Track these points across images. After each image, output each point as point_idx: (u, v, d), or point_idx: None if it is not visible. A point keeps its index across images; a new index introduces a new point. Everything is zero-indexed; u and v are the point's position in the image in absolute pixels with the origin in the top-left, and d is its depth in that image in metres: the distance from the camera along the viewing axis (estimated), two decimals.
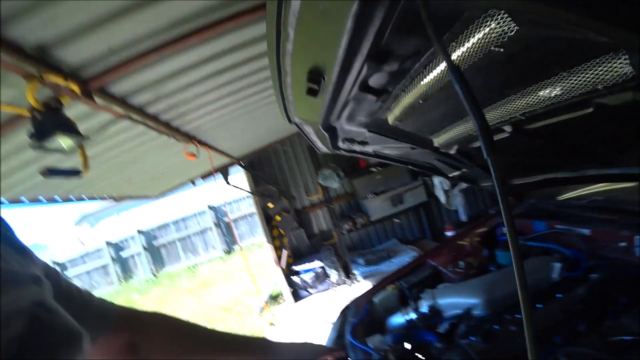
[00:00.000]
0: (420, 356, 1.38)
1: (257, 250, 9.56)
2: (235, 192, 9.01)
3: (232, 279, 7.90)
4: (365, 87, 0.97)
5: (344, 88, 0.93)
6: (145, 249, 10.52)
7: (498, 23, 0.61)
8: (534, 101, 0.91)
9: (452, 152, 1.52)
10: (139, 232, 10.52)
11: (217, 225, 10.39)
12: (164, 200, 11.73)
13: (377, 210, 5.02)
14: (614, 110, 0.84)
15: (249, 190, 4.90)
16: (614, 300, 1.17)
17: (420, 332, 1.33)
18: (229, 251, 10.55)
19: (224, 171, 4.46)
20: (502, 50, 0.69)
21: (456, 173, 1.92)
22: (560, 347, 1.03)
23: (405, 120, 1.31)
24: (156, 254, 10.60)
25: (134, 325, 0.60)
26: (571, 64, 0.72)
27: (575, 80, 0.74)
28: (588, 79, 0.74)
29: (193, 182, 4.59)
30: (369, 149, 1.86)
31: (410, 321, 1.38)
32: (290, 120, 1.47)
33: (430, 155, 1.69)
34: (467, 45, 0.72)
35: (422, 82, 0.94)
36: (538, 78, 0.85)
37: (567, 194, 1.70)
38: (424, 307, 1.37)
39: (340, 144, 1.81)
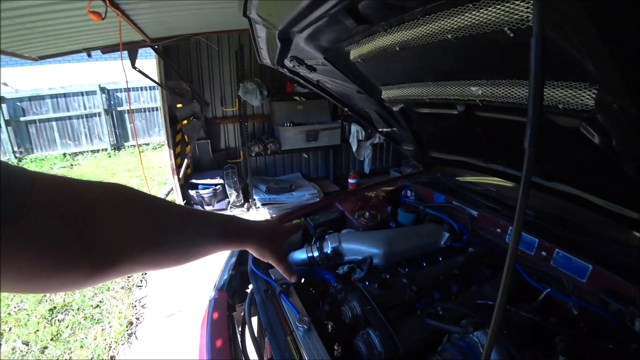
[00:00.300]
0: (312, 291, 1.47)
1: (151, 153, 8.71)
2: (138, 79, 7.79)
3: (116, 178, 6.96)
4: (352, 10, 0.85)
5: None
6: (7, 122, 7.95)
7: (526, 7, 0.58)
8: (499, 94, 0.92)
9: (395, 109, 1.52)
10: (0, 99, 7.76)
11: (108, 113, 8.78)
12: (44, 66, 9.31)
13: (290, 141, 4.97)
14: (550, 127, 0.91)
15: (158, 81, 4.26)
16: (480, 272, 1.39)
17: (320, 270, 1.40)
18: (117, 146, 9.06)
19: (133, 51, 3.76)
20: (512, 35, 0.65)
21: (386, 129, 1.95)
22: (438, 301, 1.20)
23: (367, 61, 1.24)
24: (23, 132, 8.18)
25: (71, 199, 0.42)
26: (550, 75, 0.74)
27: (545, 91, 0.76)
28: (555, 95, 0.76)
29: (89, 54, 3.76)
30: (313, 76, 1.74)
31: (311, 258, 1.43)
32: (245, 13, 1.24)
33: (371, 105, 1.67)
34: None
35: (413, 29, 0.86)
36: (514, 75, 0.85)
37: (468, 178, 1.90)
38: (328, 248, 1.42)
39: (287, 62, 1.65)
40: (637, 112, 0.62)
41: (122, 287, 3.31)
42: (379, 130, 2.03)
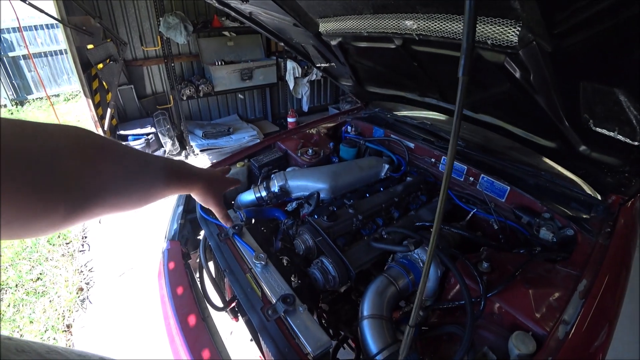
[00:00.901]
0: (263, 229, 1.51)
1: (64, 106, 7.63)
2: (29, 16, 6.47)
3: None
4: None
5: None
6: None
7: None
8: (434, 28, 0.95)
9: (334, 43, 1.49)
10: None
11: None
12: None
13: (224, 81, 4.65)
14: (480, 63, 0.98)
15: (58, 17, 3.62)
16: (417, 198, 1.53)
17: (269, 209, 1.44)
18: (19, 101, 7.60)
19: None
20: None
21: (324, 64, 1.92)
22: (381, 226, 1.32)
23: None
24: None
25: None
26: (480, 11, 0.78)
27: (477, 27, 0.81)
28: (484, 31, 0.81)
29: None
30: (245, 8, 1.62)
31: (259, 198, 1.46)
32: None
33: (308, 39, 1.62)
34: None
35: None
36: (449, 9, 0.88)
37: (404, 112, 1.99)
38: (275, 187, 1.45)
39: None
40: (552, 50, 0.69)
41: (63, 255, 3.10)
42: (317, 65, 1.99)
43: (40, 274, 2.92)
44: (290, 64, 4.99)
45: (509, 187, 1.36)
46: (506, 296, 0.93)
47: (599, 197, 1.21)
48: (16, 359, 0.35)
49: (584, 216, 1.19)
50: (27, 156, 0.39)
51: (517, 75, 0.94)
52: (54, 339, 2.36)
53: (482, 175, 1.44)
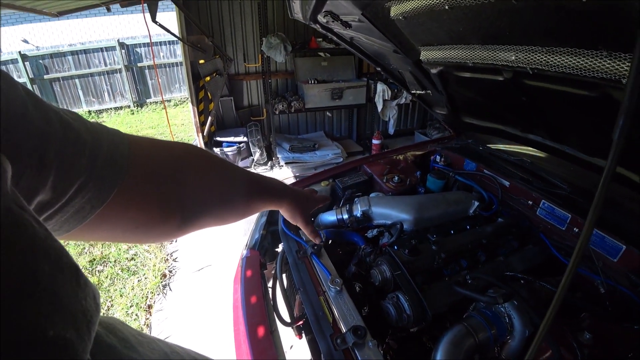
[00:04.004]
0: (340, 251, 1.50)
1: (173, 110, 8.71)
2: (157, 34, 7.60)
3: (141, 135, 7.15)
4: None
5: None
6: (32, 80, 7.69)
7: None
8: (554, 62, 0.87)
9: (434, 71, 1.45)
10: (22, 56, 7.50)
11: (128, 69, 8.65)
12: (63, 22, 9.11)
13: (315, 99, 4.84)
14: (606, 103, 0.86)
15: (179, 36, 4.17)
16: (508, 242, 1.39)
17: (349, 232, 1.42)
18: (139, 103, 8.92)
19: (153, 4, 3.65)
20: (584, 1, 0.60)
21: (419, 91, 1.88)
22: (465, 269, 1.22)
23: (409, 19, 1.17)
24: (48, 91, 7.97)
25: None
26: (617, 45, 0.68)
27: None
28: (619, 68, 0.71)
29: (108, 8, 3.68)
30: (347, 33, 1.67)
31: (341, 220, 1.45)
32: None
33: (406, 65, 1.60)
34: None
35: None
36: (577, 43, 0.79)
37: (499, 146, 1.84)
38: (358, 211, 1.44)
39: (320, 17, 1.58)
40: None
41: None
42: (412, 92, 1.96)
43: (135, 254, 3.30)
44: (380, 86, 5.01)
45: (624, 246, 1.15)
46: None
47: None
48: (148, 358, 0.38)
49: None
50: (152, 169, 0.42)
51: None
52: (136, 315, 2.63)
53: None
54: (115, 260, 3.23)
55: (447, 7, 0.92)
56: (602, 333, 0.90)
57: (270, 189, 0.71)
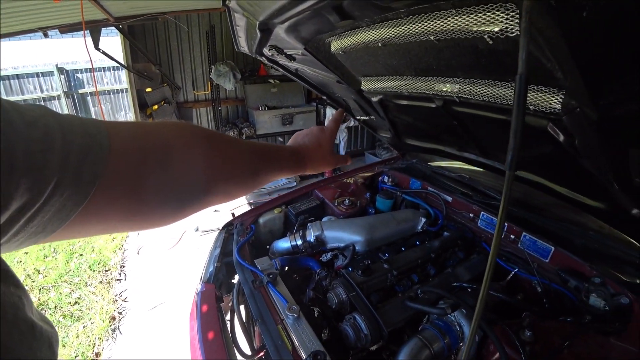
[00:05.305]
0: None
1: None
2: (100, 59, 7.28)
3: None
4: (336, 6, 0.86)
5: None
6: None
7: (506, 19, 0.62)
8: (475, 92, 0.98)
9: (374, 99, 1.55)
10: None
11: (68, 95, 8.12)
12: None
13: (266, 125, 4.89)
14: (505, 123, 0.99)
15: (124, 64, 4.05)
16: (455, 254, 1.48)
17: (303, 258, 1.44)
18: None
19: (95, 31, 3.53)
20: (490, 42, 0.70)
21: (364, 117, 1.98)
22: (417, 283, 1.28)
23: (348, 54, 1.25)
24: None
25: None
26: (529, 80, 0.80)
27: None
28: (527, 98, 0.83)
29: (45, 34, 3.50)
30: (292, 65, 1.73)
31: (295, 247, 1.47)
32: (224, 2, 1.22)
33: (350, 94, 1.69)
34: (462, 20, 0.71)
35: (396, 28, 0.88)
36: (491, 76, 0.90)
37: (441, 163, 1.98)
38: (311, 236, 1.47)
39: (265, 50, 1.63)
40: (597, 117, 0.68)
41: (101, 282, 3.23)
42: (357, 118, 2.06)
43: (79, 298, 3.04)
44: (329, 111, 5.18)
45: (553, 247, 1.29)
46: None
47: None
48: None
49: None
50: (137, 157, 0.40)
51: (561, 139, 0.93)
52: None
53: (524, 233, 1.38)
54: (55, 307, 2.93)
55: (380, 45, 1.01)
56: (542, 329, 0.98)
57: (279, 158, 0.66)
